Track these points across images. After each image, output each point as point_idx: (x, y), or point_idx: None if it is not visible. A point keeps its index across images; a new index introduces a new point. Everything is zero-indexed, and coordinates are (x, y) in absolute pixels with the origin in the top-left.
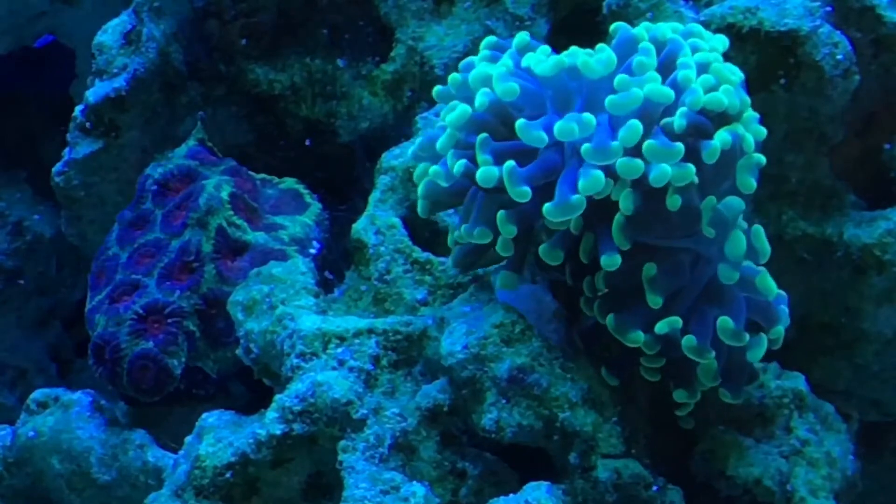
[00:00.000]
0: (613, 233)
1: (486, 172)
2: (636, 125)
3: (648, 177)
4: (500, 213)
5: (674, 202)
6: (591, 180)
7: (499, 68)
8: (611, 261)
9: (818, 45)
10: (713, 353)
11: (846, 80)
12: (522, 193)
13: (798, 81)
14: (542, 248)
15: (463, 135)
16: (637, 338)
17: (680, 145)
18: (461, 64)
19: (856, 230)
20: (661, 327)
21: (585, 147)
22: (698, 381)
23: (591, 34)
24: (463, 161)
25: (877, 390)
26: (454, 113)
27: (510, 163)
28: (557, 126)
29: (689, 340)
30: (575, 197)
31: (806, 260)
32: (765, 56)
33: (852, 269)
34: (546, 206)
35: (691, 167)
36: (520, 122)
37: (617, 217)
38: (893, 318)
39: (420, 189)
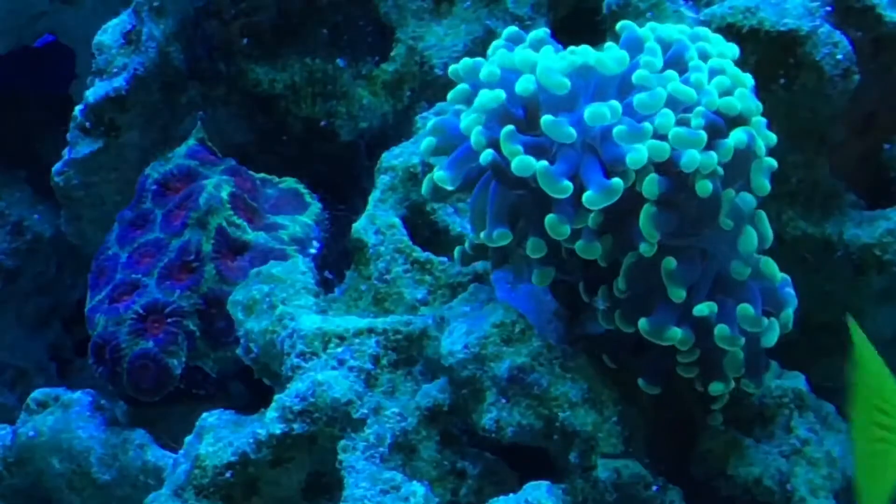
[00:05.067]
0: (642, 223)
1: (523, 161)
2: (669, 113)
3: (679, 162)
4: (551, 217)
5: (704, 187)
6: (638, 155)
7: (553, 58)
8: (649, 249)
9: (818, 45)
10: (743, 341)
11: (846, 79)
12: (564, 188)
13: (798, 81)
14: (579, 245)
15: (485, 118)
16: (674, 335)
17: (703, 133)
18: (489, 50)
19: (856, 230)
20: (700, 309)
21: (619, 129)
22: (724, 373)
23: (590, 34)
24: (490, 151)
25: None
26: (486, 96)
27: (543, 162)
28: (588, 111)
29: (722, 330)
30: (615, 180)
31: (806, 260)
32: (764, 56)
33: (852, 269)
34: (587, 195)
35: (714, 154)
36: (546, 119)
37: (646, 207)
38: (893, 317)
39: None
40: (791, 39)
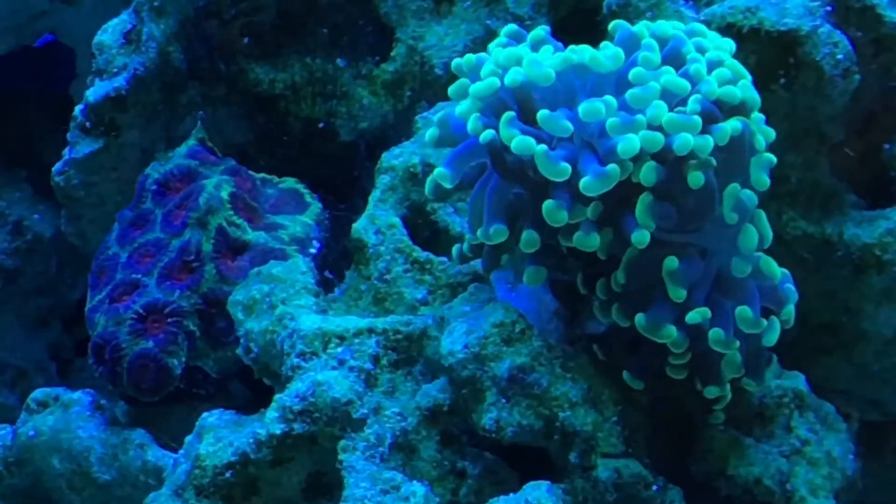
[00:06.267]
0: (638, 213)
1: (523, 142)
2: (662, 104)
3: (672, 146)
4: (548, 203)
5: (696, 179)
6: (629, 144)
7: (540, 54)
8: (641, 237)
9: (818, 45)
10: (738, 344)
11: (846, 79)
12: (562, 171)
13: (798, 81)
14: (576, 237)
15: (481, 105)
16: (670, 333)
17: (697, 118)
18: (490, 46)
19: (856, 230)
20: (692, 317)
21: (611, 121)
22: (722, 374)
23: (591, 34)
24: (490, 131)
25: (877, 390)
26: (481, 83)
27: (542, 146)
28: (583, 107)
29: (716, 333)
30: (611, 166)
31: (806, 260)
32: (765, 55)
33: (852, 269)
34: (584, 181)
35: (710, 138)
36: (542, 113)
37: (642, 196)
38: (893, 317)
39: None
40: (791, 39)
